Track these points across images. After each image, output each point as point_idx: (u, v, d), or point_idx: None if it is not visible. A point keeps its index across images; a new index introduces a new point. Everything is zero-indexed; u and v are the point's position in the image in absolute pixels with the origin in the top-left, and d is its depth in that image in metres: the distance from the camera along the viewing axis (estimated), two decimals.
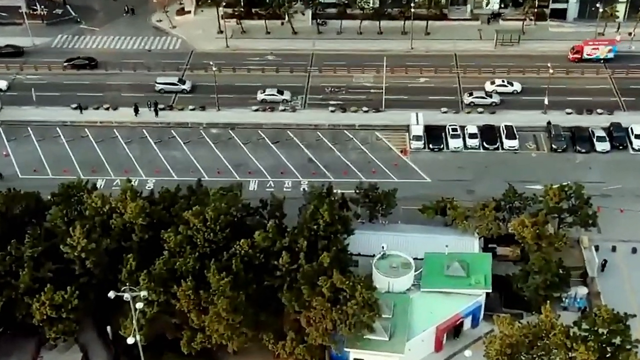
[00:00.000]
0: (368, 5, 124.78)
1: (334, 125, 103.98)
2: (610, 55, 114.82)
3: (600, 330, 63.85)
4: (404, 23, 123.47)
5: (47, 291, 69.36)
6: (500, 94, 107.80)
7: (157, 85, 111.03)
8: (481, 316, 75.11)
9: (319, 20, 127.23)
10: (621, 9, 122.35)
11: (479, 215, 79.30)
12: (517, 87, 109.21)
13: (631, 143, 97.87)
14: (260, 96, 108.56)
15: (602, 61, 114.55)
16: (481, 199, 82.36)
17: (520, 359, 64.23)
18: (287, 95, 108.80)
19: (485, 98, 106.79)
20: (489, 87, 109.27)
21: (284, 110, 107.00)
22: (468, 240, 79.79)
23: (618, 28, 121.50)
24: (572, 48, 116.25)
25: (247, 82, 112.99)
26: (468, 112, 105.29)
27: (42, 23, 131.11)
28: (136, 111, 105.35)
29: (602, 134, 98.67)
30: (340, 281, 67.51)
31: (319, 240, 72.39)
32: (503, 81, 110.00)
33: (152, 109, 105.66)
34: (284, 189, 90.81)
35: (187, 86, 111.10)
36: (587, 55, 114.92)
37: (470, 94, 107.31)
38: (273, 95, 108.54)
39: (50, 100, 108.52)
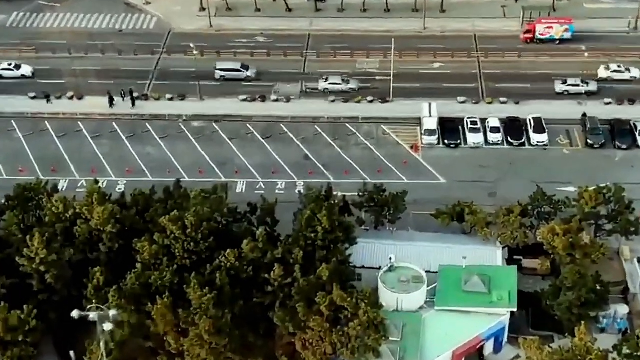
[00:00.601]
0: None
1: (334, 117, 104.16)
2: (567, 35, 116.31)
3: None
4: None
5: (0, 310, 69.08)
6: (616, 81, 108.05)
7: (216, 72, 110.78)
8: (505, 339, 75.15)
9: None
10: None
11: (503, 222, 79.35)
12: (636, 73, 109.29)
13: None
14: (322, 85, 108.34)
15: (557, 42, 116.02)
16: (505, 203, 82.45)
17: None
18: (354, 84, 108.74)
19: (579, 85, 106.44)
20: (602, 72, 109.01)
21: (276, 100, 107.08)
22: (489, 250, 79.89)
23: None
24: (523, 27, 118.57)
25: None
26: (489, 103, 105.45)
27: None
28: (111, 101, 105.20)
29: None
30: (341, 298, 67.61)
31: (316, 250, 72.53)
32: (619, 66, 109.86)
33: (128, 98, 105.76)
34: (277, 191, 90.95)
35: (251, 72, 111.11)
36: (540, 35, 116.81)
37: (564, 82, 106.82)
38: (337, 84, 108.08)
39: (3, 89, 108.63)
